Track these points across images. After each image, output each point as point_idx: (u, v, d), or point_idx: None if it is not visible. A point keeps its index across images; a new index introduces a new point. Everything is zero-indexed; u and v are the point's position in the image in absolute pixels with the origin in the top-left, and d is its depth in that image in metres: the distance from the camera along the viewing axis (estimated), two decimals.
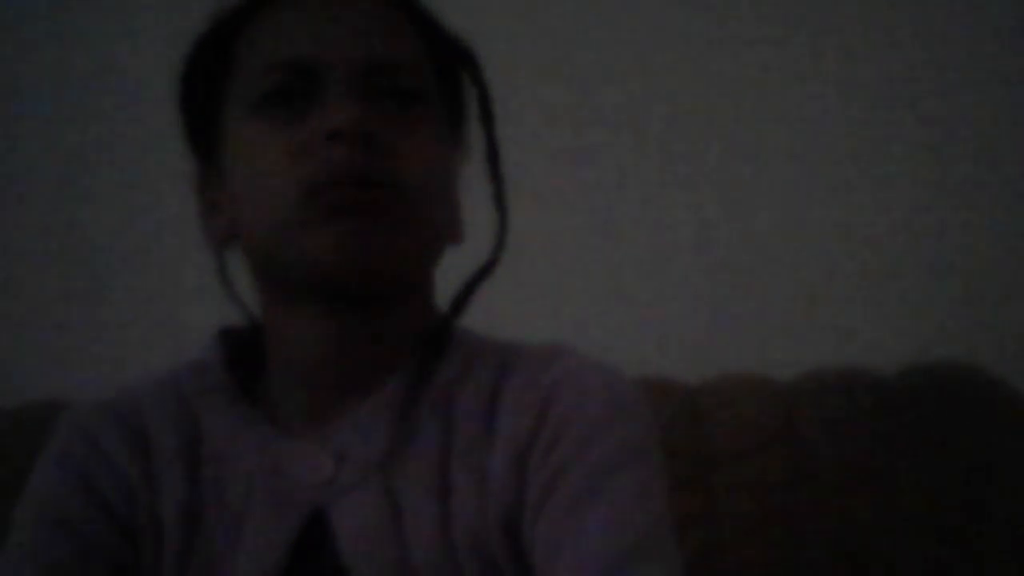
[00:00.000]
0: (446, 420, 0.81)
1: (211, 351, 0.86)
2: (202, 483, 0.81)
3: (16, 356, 1.54)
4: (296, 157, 0.77)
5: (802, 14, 1.50)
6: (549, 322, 1.43)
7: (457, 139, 0.88)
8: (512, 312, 1.21)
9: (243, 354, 0.86)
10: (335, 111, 0.77)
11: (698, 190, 1.50)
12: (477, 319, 0.88)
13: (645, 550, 0.74)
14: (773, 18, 1.51)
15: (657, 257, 1.49)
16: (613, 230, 1.50)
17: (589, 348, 0.87)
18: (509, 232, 0.87)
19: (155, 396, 0.84)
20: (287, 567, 0.77)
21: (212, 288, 0.89)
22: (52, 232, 1.57)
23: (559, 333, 0.91)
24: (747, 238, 1.49)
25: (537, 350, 0.84)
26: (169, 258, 1.51)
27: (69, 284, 1.56)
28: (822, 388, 1.24)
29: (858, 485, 1.18)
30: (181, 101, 0.87)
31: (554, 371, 0.81)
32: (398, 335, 0.83)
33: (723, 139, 1.50)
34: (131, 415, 0.83)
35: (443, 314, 0.87)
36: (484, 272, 0.88)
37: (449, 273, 0.88)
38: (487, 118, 0.88)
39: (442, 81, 0.86)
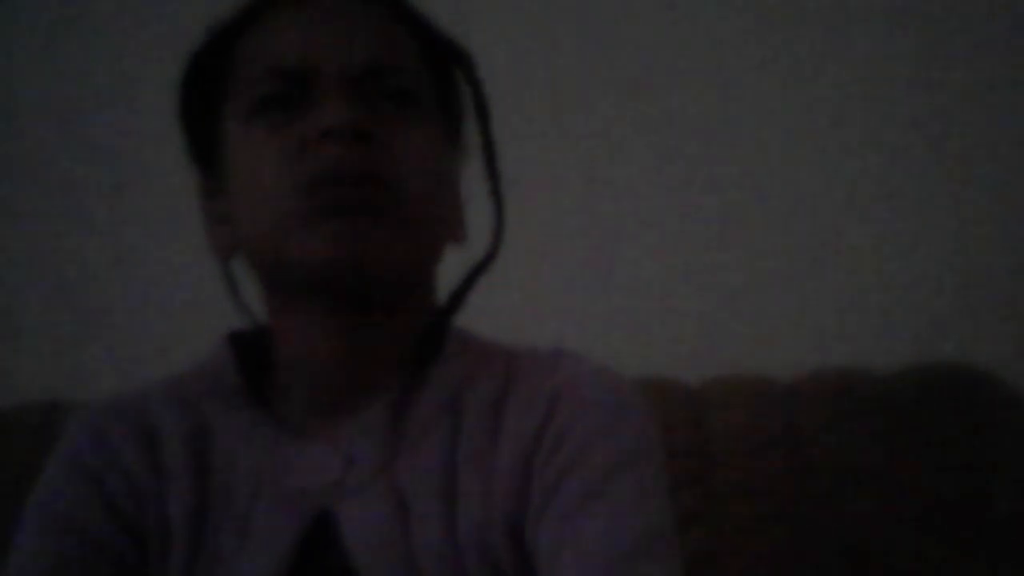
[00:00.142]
0: (453, 422, 0.82)
1: (220, 354, 0.87)
2: (210, 484, 0.82)
3: (16, 356, 1.54)
4: (292, 158, 0.78)
5: (802, 16, 1.50)
6: (548, 321, 1.44)
7: (455, 139, 0.89)
8: (511, 311, 1.22)
9: (251, 357, 0.87)
10: (329, 111, 0.78)
11: (698, 189, 1.50)
12: (476, 317, 0.89)
13: (646, 551, 0.75)
14: (773, 19, 1.51)
15: (657, 257, 1.49)
16: (613, 229, 1.50)
17: (589, 348, 0.87)
18: (506, 230, 0.88)
19: (164, 398, 0.85)
20: (294, 568, 0.78)
21: (212, 289, 0.89)
22: (52, 232, 1.57)
23: (558, 332, 0.91)
24: (747, 238, 1.49)
25: (542, 354, 0.85)
26: (169, 259, 1.51)
27: (69, 285, 1.56)
28: (822, 388, 1.24)
29: (858, 485, 1.18)
30: (181, 112, 0.88)
31: (559, 375, 0.82)
32: (402, 335, 0.84)
33: (723, 139, 1.50)
34: (140, 416, 0.84)
35: (439, 310, 0.88)
36: (480, 269, 0.88)
37: (451, 273, 0.88)
38: (482, 116, 0.88)
39: (437, 81, 0.86)
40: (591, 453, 0.78)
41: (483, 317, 0.89)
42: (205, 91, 0.85)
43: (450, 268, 0.87)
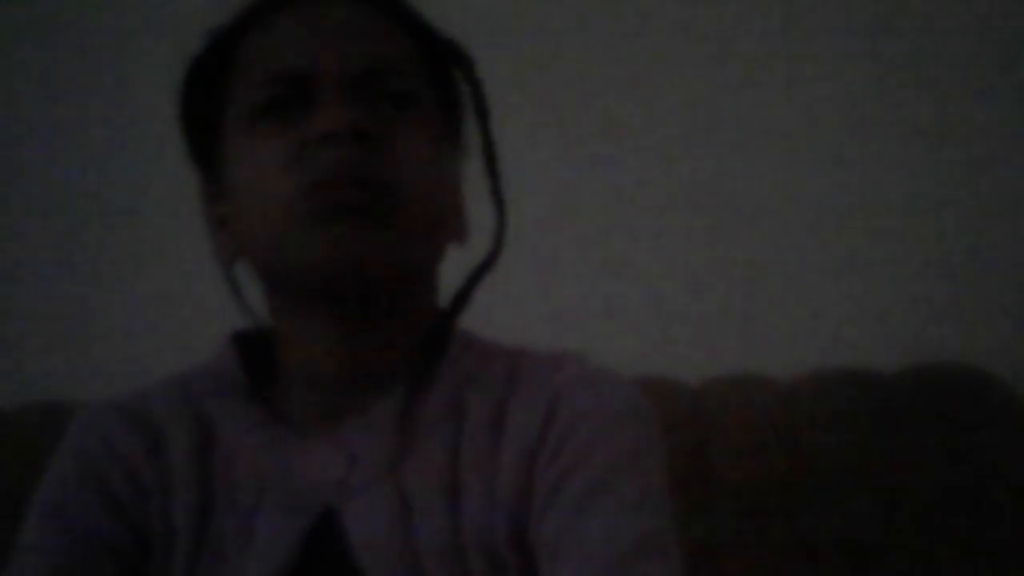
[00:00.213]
0: (456, 422, 0.82)
1: (224, 354, 0.87)
2: (214, 483, 0.82)
3: (16, 356, 1.54)
4: (292, 162, 0.78)
5: (802, 14, 1.50)
6: (549, 321, 1.44)
7: (455, 139, 0.89)
8: (512, 311, 1.22)
9: (255, 357, 0.87)
10: (328, 114, 0.78)
11: (699, 190, 1.50)
12: (477, 317, 0.89)
13: (646, 551, 0.75)
14: (773, 18, 1.51)
15: (658, 256, 1.49)
16: (613, 229, 1.50)
17: (589, 348, 0.87)
18: (507, 230, 0.88)
19: (168, 397, 0.85)
20: (298, 566, 0.78)
21: (213, 289, 0.89)
22: (52, 232, 1.57)
23: (559, 332, 0.91)
24: (748, 238, 1.48)
25: (546, 355, 0.86)
26: (170, 258, 1.51)
27: (69, 284, 1.56)
28: (822, 388, 1.24)
29: (858, 485, 1.18)
30: (181, 116, 0.88)
31: (562, 376, 0.82)
32: (405, 335, 0.84)
33: (723, 139, 1.50)
34: (144, 415, 0.84)
35: (443, 311, 0.88)
36: (483, 270, 0.88)
37: (453, 273, 0.88)
38: (482, 116, 0.88)
39: (436, 81, 0.86)
40: (593, 453, 0.78)
41: (483, 316, 0.89)
42: (206, 95, 0.85)
43: (451, 268, 0.87)
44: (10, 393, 1.35)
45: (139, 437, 0.83)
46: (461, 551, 0.77)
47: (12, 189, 1.59)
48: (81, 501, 0.81)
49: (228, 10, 0.86)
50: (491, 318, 0.89)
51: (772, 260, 1.48)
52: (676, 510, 0.80)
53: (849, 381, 1.24)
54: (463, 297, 0.88)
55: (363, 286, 0.79)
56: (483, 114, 0.88)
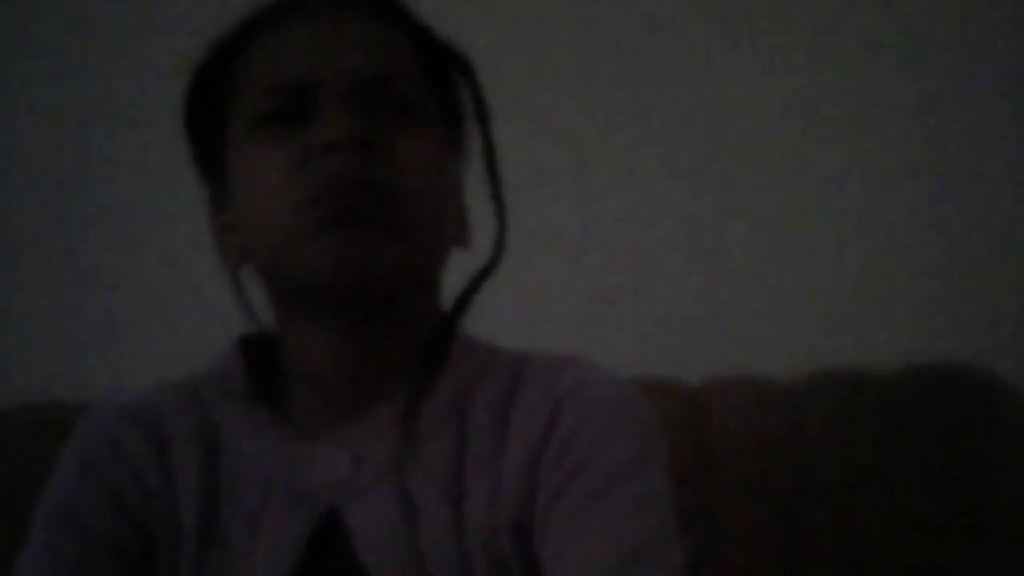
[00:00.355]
0: (460, 424, 0.83)
1: (230, 357, 0.88)
2: (220, 485, 0.83)
3: (16, 356, 1.54)
4: (296, 171, 0.79)
5: (802, 16, 1.50)
6: (550, 321, 1.44)
7: (457, 144, 0.89)
8: (513, 312, 1.22)
9: (260, 360, 0.88)
10: (330, 123, 0.79)
11: (699, 190, 1.50)
12: (478, 319, 0.89)
13: (648, 554, 0.76)
14: (772, 20, 1.51)
15: (658, 257, 1.49)
16: (613, 230, 1.50)
17: (589, 348, 0.87)
18: (508, 233, 0.88)
19: (174, 400, 0.86)
20: (302, 566, 0.79)
21: (212, 289, 0.89)
22: (53, 232, 1.57)
23: (559, 333, 0.91)
24: (747, 238, 1.49)
25: (549, 359, 0.86)
26: (170, 259, 1.51)
27: (70, 285, 1.56)
28: (822, 388, 1.24)
29: (859, 485, 1.18)
30: (186, 127, 0.89)
31: (566, 379, 0.83)
32: (408, 340, 0.84)
33: (723, 139, 1.50)
34: (151, 418, 0.85)
35: (445, 314, 0.89)
36: (485, 274, 0.89)
37: (455, 276, 0.88)
38: (483, 122, 0.89)
39: (438, 87, 0.87)
40: (596, 457, 0.79)
41: (485, 317, 0.89)
42: (209, 105, 0.86)
43: (453, 271, 0.87)
44: (10, 393, 1.35)
45: (145, 441, 0.84)
46: (465, 553, 0.78)
47: (13, 189, 1.59)
48: (87, 502, 0.82)
49: (231, 18, 0.86)
50: (492, 319, 0.89)
51: (772, 260, 1.48)
52: (676, 510, 0.81)
53: (849, 381, 1.24)
54: (465, 301, 0.89)
55: (368, 292, 0.79)
56: (484, 119, 0.89)
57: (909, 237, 1.46)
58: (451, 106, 0.89)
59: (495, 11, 1.50)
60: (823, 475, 1.18)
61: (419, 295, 0.85)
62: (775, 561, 1.16)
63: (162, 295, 1.52)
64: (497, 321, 0.89)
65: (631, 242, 1.49)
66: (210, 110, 0.86)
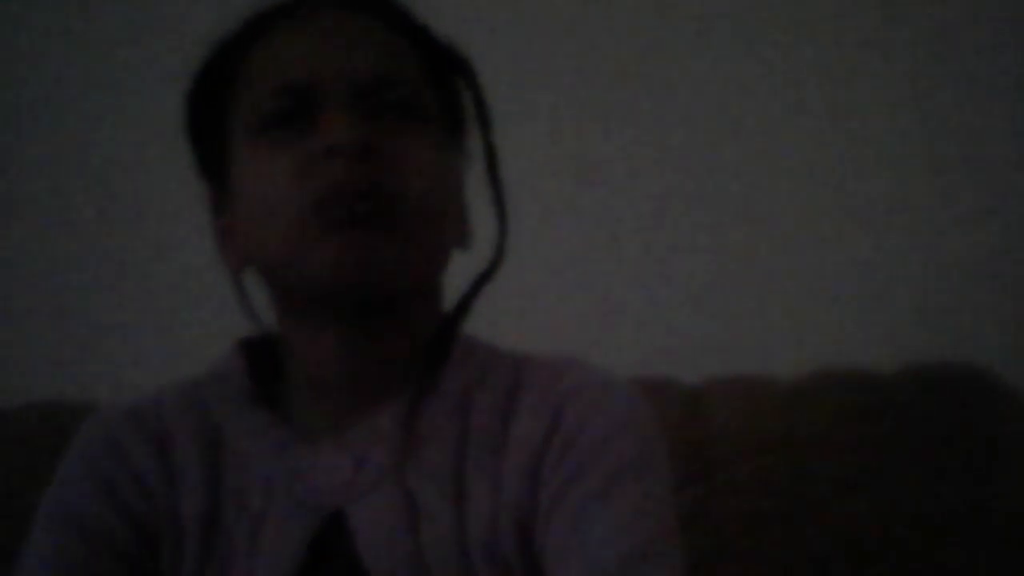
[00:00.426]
0: (462, 426, 0.83)
1: (232, 359, 0.88)
2: (222, 487, 0.83)
3: (16, 356, 1.54)
4: (299, 175, 0.79)
5: (803, 18, 1.50)
6: (550, 322, 1.44)
7: (458, 147, 0.89)
8: (513, 312, 1.22)
9: (262, 362, 0.88)
10: (333, 127, 0.79)
11: (699, 190, 1.50)
12: (480, 319, 0.89)
13: (649, 555, 0.76)
14: (772, 20, 1.51)
15: (658, 257, 1.49)
16: (614, 230, 1.50)
17: (589, 348, 0.88)
18: (509, 235, 0.89)
19: (177, 403, 0.87)
20: (305, 568, 0.79)
21: (212, 289, 0.89)
22: (53, 232, 1.57)
23: (560, 333, 0.91)
24: (747, 238, 1.49)
25: (550, 360, 0.87)
26: (170, 259, 1.51)
27: (70, 285, 1.56)
28: (822, 388, 1.24)
29: (858, 485, 1.18)
30: (188, 129, 0.89)
31: (567, 381, 0.83)
32: (410, 341, 0.85)
33: (723, 140, 1.50)
34: (153, 421, 0.85)
35: (447, 316, 0.89)
36: (486, 276, 0.89)
37: (456, 277, 0.88)
38: (484, 124, 0.89)
39: (439, 90, 0.87)
40: (597, 459, 0.79)
41: (486, 318, 0.90)
42: (211, 106, 0.86)
43: (454, 272, 0.88)
44: (10, 393, 1.35)
45: (148, 444, 0.84)
46: (466, 554, 0.78)
47: (13, 189, 1.59)
48: (89, 503, 0.83)
49: (233, 19, 0.86)
50: (493, 320, 0.89)
51: (772, 260, 1.48)
52: (676, 511, 0.81)
53: (849, 381, 1.24)
54: (466, 303, 0.89)
55: (370, 294, 0.80)
56: (485, 121, 0.89)
57: (909, 237, 1.46)
58: (452, 108, 0.89)
59: (495, 12, 1.50)
60: (823, 475, 1.18)
61: (421, 297, 0.85)
62: (775, 561, 1.16)
63: (163, 296, 1.52)
64: (498, 322, 0.89)
65: (631, 243, 1.49)
66: (211, 111, 0.86)
